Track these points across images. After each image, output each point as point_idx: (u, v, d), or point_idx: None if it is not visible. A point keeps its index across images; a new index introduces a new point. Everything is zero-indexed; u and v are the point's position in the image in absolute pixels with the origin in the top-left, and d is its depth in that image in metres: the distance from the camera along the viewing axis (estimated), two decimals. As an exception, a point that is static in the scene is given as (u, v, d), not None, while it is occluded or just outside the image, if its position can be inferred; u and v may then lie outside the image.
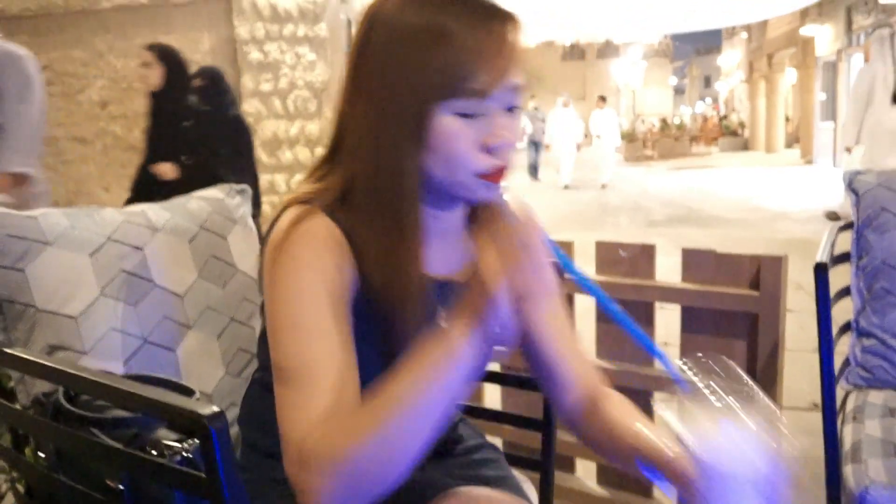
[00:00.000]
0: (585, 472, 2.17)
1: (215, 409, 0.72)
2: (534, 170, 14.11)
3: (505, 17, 0.82)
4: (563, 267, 0.77)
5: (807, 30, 15.82)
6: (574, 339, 1.00)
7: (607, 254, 2.01)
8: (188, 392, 0.97)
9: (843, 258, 1.76)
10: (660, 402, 0.75)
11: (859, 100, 5.77)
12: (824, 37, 15.29)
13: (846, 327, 1.75)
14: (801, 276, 2.43)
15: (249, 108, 4.46)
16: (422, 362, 0.73)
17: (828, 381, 1.53)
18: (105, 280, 1.15)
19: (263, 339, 0.90)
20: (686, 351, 1.94)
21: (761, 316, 1.80)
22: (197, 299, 1.25)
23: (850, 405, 1.61)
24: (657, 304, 1.98)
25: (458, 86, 0.78)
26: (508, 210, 0.77)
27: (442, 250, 0.91)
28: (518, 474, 1.13)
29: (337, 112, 0.88)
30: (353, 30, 0.88)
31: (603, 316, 2.02)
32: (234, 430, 1.04)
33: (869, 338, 1.69)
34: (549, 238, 0.77)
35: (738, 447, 0.69)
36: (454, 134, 0.80)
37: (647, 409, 0.95)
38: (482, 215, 0.90)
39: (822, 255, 1.57)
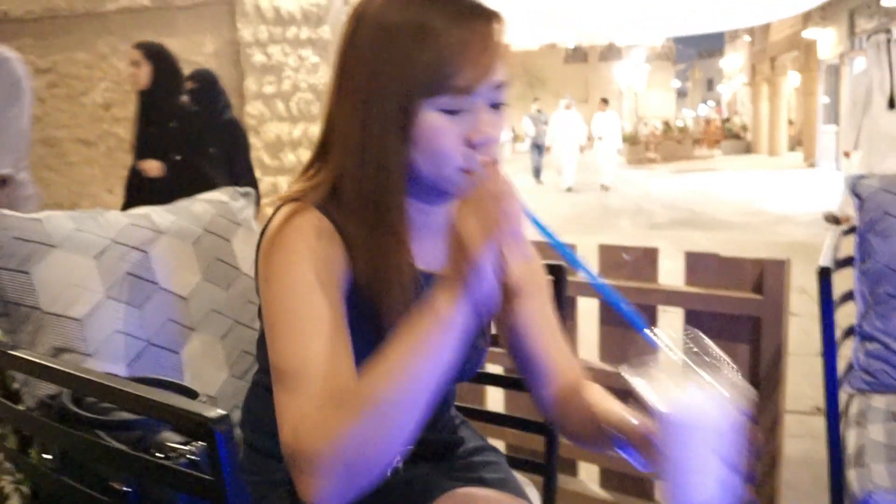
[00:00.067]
0: (588, 476, 2.17)
1: (220, 411, 0.72)
2: (537, 172, 14.13)
3: (489, 15, 0.83)
4: (553, 245, 0.78)
5: (809, 33, 15.82)
6: (558, 333, 1.01)
7: (610, 257, 2.01)
8: (192, 394, 0.97)
9: (847, 262, 1.76)
10: (626, 367, 0.75)
11: (856, 105, 5.76)
12: (827, 40, 15.28)
13: (849, 331, 1.75)
14: (804, 280, 2.43)
15: (252, 110, 4.46)
16: (412, 333, 0.74)
17: (831, 385, 1.53)
18: (109, 282, 1.15)
19: (262, 341, 0.90)
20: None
21: (764, 320, 1.80)
22: (201, 302, 1.25)
23: (853, 409, 1.61)
24: (660, 308, 1.98)
25: (442, 83, 0.80)
26: (488, 178, 0.77)
27: (430, 244, 0.92)
28: (521, 477, 1.13)
29: (326, 110, 0.90)
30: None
31: (606, 319, 2.02)
32: (237, 433, 1.04)
33: (872, 342, 1.68)
34: (530, 212, 0.77)
35: (697, 404, 0.72)
36: (439, 130, 0.81)
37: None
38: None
39: (825, 259, 1.57)
